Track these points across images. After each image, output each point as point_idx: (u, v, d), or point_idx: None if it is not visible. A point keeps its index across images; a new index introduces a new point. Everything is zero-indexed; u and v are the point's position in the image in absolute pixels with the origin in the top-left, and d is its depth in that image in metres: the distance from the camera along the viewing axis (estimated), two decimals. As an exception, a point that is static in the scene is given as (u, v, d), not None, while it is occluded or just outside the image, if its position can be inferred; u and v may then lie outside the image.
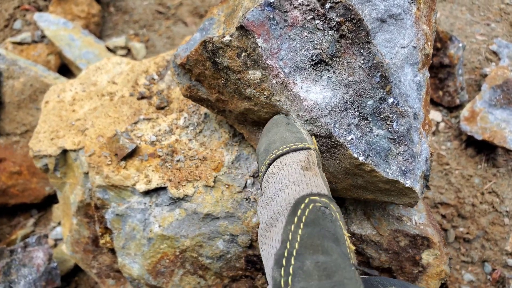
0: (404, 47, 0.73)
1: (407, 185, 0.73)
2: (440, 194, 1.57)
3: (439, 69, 1.67)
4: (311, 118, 0.70)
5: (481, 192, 1.55)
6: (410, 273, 0.94)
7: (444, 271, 0.94)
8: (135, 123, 1.00)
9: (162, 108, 1.00)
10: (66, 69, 1.80)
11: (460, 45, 1.65)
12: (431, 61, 0.85)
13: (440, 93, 1.70)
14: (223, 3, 0.84)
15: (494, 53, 1.88)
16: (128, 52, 1.85)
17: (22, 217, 1.48)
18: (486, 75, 1.77)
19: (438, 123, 1.69)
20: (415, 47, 0.74)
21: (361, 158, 0.70)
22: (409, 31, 0.73)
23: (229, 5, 0.81)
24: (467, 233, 1.52)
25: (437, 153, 1.64)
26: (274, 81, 0.69)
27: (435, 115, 1.69)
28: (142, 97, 1.03)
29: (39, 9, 1.92)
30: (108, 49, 1.82)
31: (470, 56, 1.88)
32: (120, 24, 2.00)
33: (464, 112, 1.61)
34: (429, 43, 0.78)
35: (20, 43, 1.78)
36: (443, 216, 1.55)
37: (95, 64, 1.15)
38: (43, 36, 1.83)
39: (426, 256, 0.93)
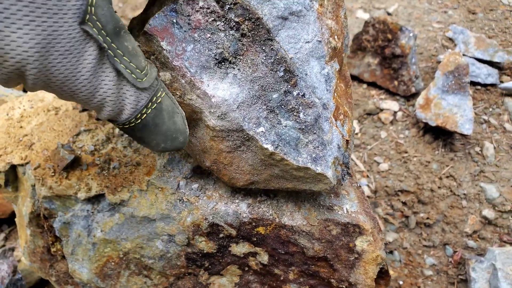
0: (309, 41, 0.77)
1: (318, 171, 0.77)
2: (400, 182, 1.61)
3: (392, 59, 1.71)
4: (222, 114, 0.74)
5: (439, 177, 1.59)
6: (346, 260, 0.97)
7: (380, 255, 0.98)
8: (77, 134, 1.04)
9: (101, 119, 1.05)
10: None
11: (411, 34, 1.69)
12: (343, 55, 0.88)
13: (396, 82, 1.74)
14: (142, 14, 0.88)
15: (450, 39, 1.91)
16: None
17: (-7, 233, 1.54)
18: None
19: (395, 112, 1.73)
20: (320, 41, 0.77)
21: (270, 148, 0.75)
22: (313, 26, 0.76)
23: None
24: (428, 218, 1.55)
25: (396, 142, 1.68)
26: (183, 81, 0.74)
27: (392, 104, 1.73)
28: (83, 110, 1.08)
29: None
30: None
31: (427, 44, 1.92)
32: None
33: (419, 100, 1.65)
34: (335, 37, 0.82)
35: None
36: (404, 203, 1.59)
37: (42, 81, 1.20)
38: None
39: (360, 243, 0.96)
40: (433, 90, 1.63)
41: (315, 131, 0.77)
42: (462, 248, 1.51)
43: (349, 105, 0.94)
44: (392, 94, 1.78)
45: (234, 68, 0.74)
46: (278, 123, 0.76)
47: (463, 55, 1.79)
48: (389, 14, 2.09)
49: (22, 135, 1.08)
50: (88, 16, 0.47)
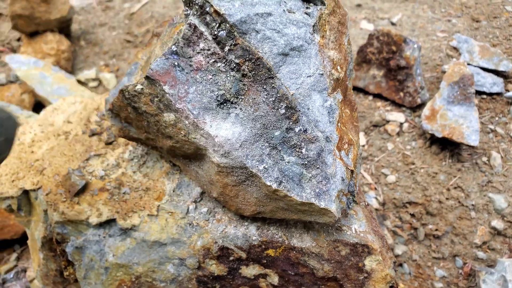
0: (310, 76, 0.77)
1: (322, 206, 0.78)
2: (407, 194, 1.61)
3: (397, 71, 1.71)
4: (225, 152, 0.75)
5: (447, 188, 1.59)
6: (356, 279, 0.98)
7: (389, 274, 0.98)
8: (87, 159, 1.06)
9: (110, 143, 1.06)
10: (41, 106, 1.87)
11: (416, 46, 1.69)
12: (347, 82, 0.89)
13: (401, 94, 1.74)
14: (147, 47, 0.90)
15: (455, 48, 1.91)
16: (100, 83, 1.93)
17: (6, 253, 1.56)
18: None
19: (401, 123, 1.73)
20: (321, 74, 0.78)
21: (274, 185, 0.76)
22: (314, 60, 0.77)
23: (150, 49, 0.87)
24: (436, 229, 1.55)
25: (402, 154, 1.68)
26: (187, 122, 0.75)
27: (398, 116, 1.74)
28: (93, 134, 1.10)
29: (13, 50, 2.01)
30: (80, 82, 1.89)
31: (431, 54, 1.92)
32: (91, 56, 2.08)
33: (425, 111, 1.65)
34: (338, 68, 0.83)
35: (-5, 85, 1.86)
36: (412, 215, 1.59)
37: (52, 105, 1.22)
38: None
39: (369, 263, 0.97)
40: (438, 101, 1.63)
41: (318, 166, 0.78)
42: (472, 260, 1.51)
43: (355, 128, 0.95)
44: (398, 105, 1.78)
45: (236, 108, 0.75)
46: (281, 159, 0.77)
47: (468, 64, 1.79)
48: (393, 24, 2.10)
49: (33, 160, 1.10)
50: None
